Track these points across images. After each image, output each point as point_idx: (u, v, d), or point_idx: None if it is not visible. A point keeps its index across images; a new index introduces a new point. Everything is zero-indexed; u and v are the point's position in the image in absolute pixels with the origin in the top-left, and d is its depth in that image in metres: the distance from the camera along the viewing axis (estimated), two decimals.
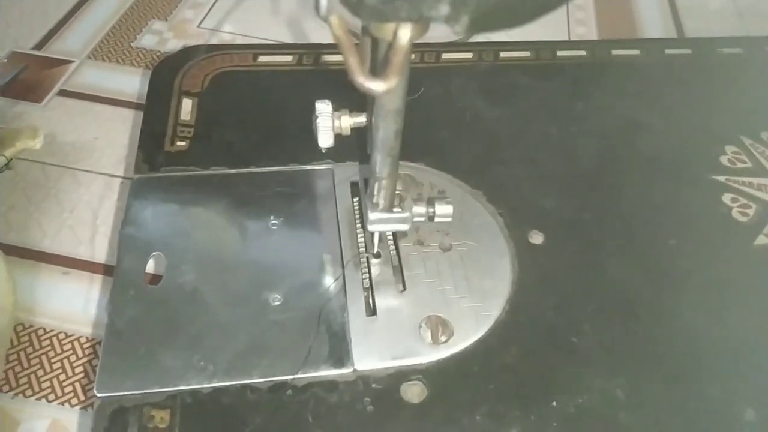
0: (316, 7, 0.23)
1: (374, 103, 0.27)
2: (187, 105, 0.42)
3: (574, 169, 0.42)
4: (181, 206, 0.37)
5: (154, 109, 0.42)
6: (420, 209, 0.33)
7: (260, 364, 0.31)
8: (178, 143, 0.40)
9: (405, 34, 0.23)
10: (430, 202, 0.33)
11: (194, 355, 0.31)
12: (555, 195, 0.40)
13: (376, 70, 0.26)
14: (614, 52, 0.50)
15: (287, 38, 0.59)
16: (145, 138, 0.41)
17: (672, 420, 0.31)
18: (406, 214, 0.32)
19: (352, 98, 0.32)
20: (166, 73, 0.45)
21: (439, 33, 0.59)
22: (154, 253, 0.35)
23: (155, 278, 0.35)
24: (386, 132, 0.28)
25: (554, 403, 0.31)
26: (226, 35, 0.60)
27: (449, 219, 0.33)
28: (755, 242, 0.39)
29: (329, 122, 0.32)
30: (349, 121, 0.32)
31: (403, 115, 0.27)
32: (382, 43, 0.26)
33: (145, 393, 0.30)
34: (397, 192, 0.32)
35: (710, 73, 0.50)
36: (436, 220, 0.33)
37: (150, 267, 0.35)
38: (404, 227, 0.33)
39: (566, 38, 0.60)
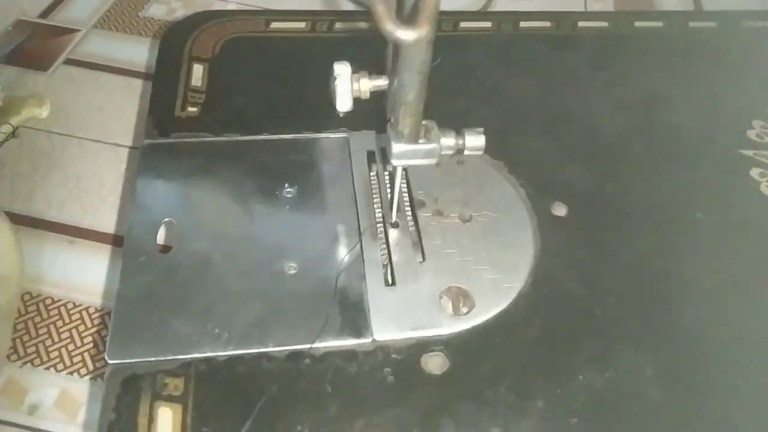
0: None
1: (400, 58, 0.26)
2: (197, 71, 0.41)
3: (596, 141, 0.41)
4: (193, 172, 0.36)
5: (164, 74, 0.41)
6: (449, 141, 0.31)
7: (276, 332, 0.30)
8: (189, 109, 0.39)
9: None
10: (460, 133, 0.31)
11: (208, 322, 0.30)
12: (578, 167, 0.39)
13: (403, 20, 0.25)
14: (637, 23, 0.49)
15: (295, 6, 0.57)
16: (155, 103, 0.40)
17: (698, 394, 0.30)
18: (434, 146, 0.30)
19: (365, 66, 0.31)
20: (177, 39, 0.43)
21: (458, 1, 0.57)
22: (166, 220, 0.34)
23: (166, 246, 0.34)
24: (411, 83, 0.27)
25: (580, 376, 0.30)
26: (234, 6, 0.59)
27: (481, 152, 0.31)
28: None
29: (348, 85, 0.30)
30: (368, 84, 0.31)
31: (429, 68, 0.26)
32: None
33: (158, 360, 0.29)
34: (423, 123, 0.30)
35: (735, 47, 0.49)
36: (466, 153, 0.31)
37: (161, 234, 0.34)
38: (432, 161, 0.31)
39: (582, 10, 0.59)
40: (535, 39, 0.47)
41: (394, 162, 0.31)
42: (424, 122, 0.30)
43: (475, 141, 0.31)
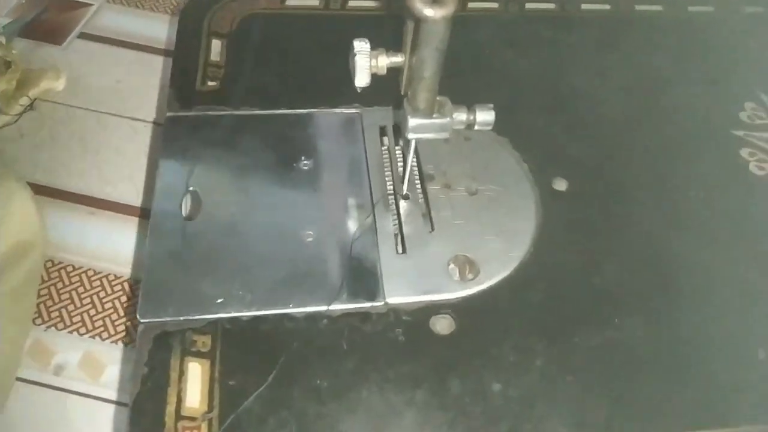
0: None
1: (420, 35, 0.28)
2: (216, 46, 0.42)
3: (597, 120, 0.43)
4: (215, 144, 0.38)
5: (184, 48, 0.43)
6: (461, 116, 0.32)
7: (296, 295, 0.32)
8: (209, 83, 0.41)
9: None
10: (471, 109, 0.33)
11: (232, 284, 0.32)
12: (578, 144, 0.41)
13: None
14: (638, 7, 0.50)
15: None
16: (176, 77, 0.41)
17: (689, 355, 0.33)
18: (447, 120, 0.32)
19: (378, 42, 0.33)
20: (195, 14, 0.44)
21: None
22: (190, 189, 0.36)
23: (191, 213, 0.36)
24: (430, 60, 0.28)
25: (577, 338, 0.33)
26: None
27: (490, 126, 0.32)
28: None
29: (367, 61, 0.32)
30: (386, 61, 0.32)
31: (446, 45, 0.28)
32: None
33: (186, 319, 0.31)
34: (437, 98, 0.31)
35: (731, 31, 0.50)
36: (477, 127, 0.32)
37: (186, 202, 0.36)
38: (444, 135, 0.32)
39: None
40: (540, 20, 0.48)
41: (409, 135, 0.32)
42: (438, 98, 0.31)
43: (485, 116, 0.32)
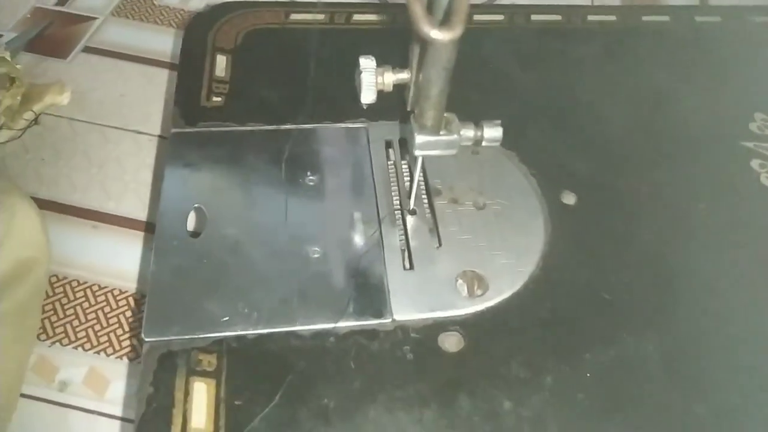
0: None
1: (427, 55, 0.27)
2: (221, 61, 0.42)
3: (604, 133, 0.42)
4: (219, 161, 0.38)
5: (189, 64, 0.42)
6: (468, 132, 0.32)
7: (302, 312, 0.32)
8: (214, 99, 0.40)
9: None
10: (479, 125, 0.32)
11: (238, 303, 0.32)
12: (586, 157, 0.40)
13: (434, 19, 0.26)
14: (644, 17, 0.50)
15: None
16: (181, 93, 0.41)
17: (700, 373, 0.32)
18: (454, 137, 0.31)
19: (384, 57, 0.33)
20: (200, 30, 0.44)
21: None
22: (195, 206, 0.36)
23: (196, 231, 0.35)
24: (437, 79, 0.28)
25: (587, 354, 0.32)
26: None
27: (498, 143, 0.32)
28: None
29: (373, 78, 0.32)
30: (392, 78, 0.32)
31: (453, 64, 0.27)
32: None
33: (191, 338, 0.31)
34: (444, 115, 0.31)
35: (740, 41, 0.50)
36: (484, 144, 0.32)
37: (191, 219, 0.36)
38: (452, 151, 0.32)
39: (589, 3, 0.60)
40: (546, 32, 0.48)
41: (416, 153, 0.32)
42: (445, 114, 0.31)
43: (493, 133, 0.32)
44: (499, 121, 0.32)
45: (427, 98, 0.29)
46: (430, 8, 0.26)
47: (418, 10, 0.21)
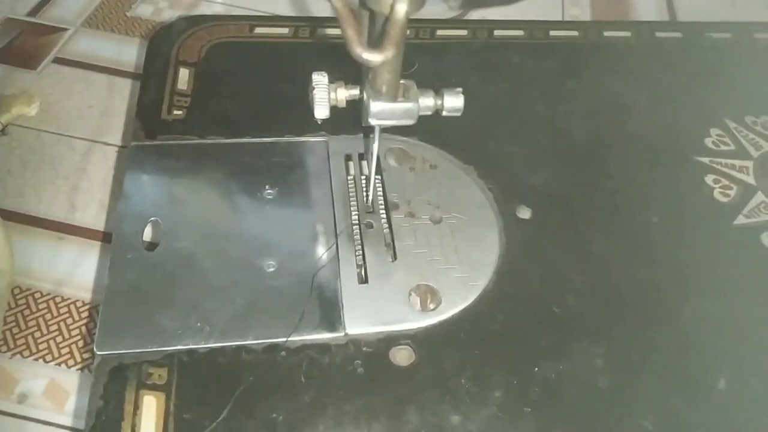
0: None
1: (369, 74, 0.28)
2: (184, 75, 0.43)
3: (562, 147, 0.43)
4: (178, 174, 0.38)
5: (151, 77, 0.43)
6: (428, 101, 0.30)
7: (255, 326, 0.32)
8: (175, 112, 0.41)
9: (402, 7, 0.24)
10: (439, 93, 0.31)
11: (191, 316, 0.32)
12: (544, 172, 0.41)
13: (373, 42, 0.27)
14: (606, 33, 0.51)
15: (280, 10, 0.59)
16: (142, 106, 0.41)
17: (647, 386, 0.33)
18: (412, 104, 0.30)
19: (346, 71, 0.33)
20: (163, 43, 0.45)
21: (435, 9, 0.59)
22: (152, 219, 0.36)
23: (152, 243, 0.36)
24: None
25: (536, 368, 0.33)
26: (220, 6, 0.60)
27: (459, 113, 0.31)
28: (735, 222, 0.40)
29: (325, 94, 0.32)
30: (344, 93, 0.33)
31: (397, 80, 0.27)
32: (378, 16, 0.26)
33: (143, 351, 0.31)
34: (401, 82, 0.29)
35: (699, 57, 0.51)
36: (445, 113, 0.31)
37: (147, 232, 0.36)
38: (410, 121, 0.30)
39: (560, 18, 0.61)
40: (508, 47, 0.49)
41: (372, 121, 0.30)
42: (402, 81, 0.30)
43: (453, 101, 0.30)
44: (460, 89, 0.31)
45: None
46: (371, 31, 0.27)
47: (350, 33, 0.22)
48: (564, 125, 0.44)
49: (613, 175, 0.42)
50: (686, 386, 0.33)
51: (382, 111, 0.30)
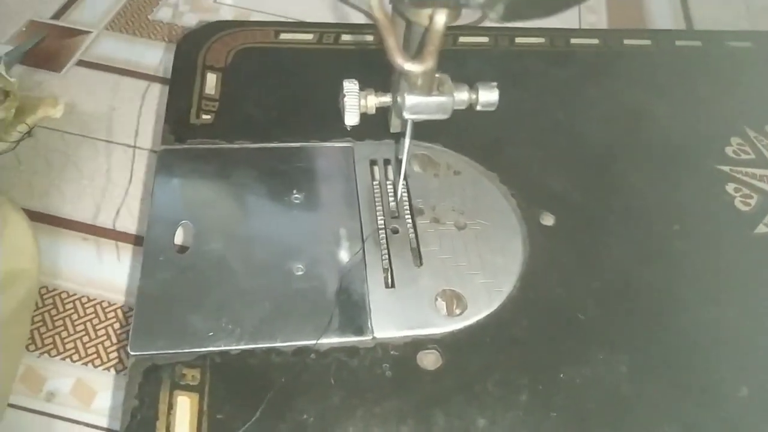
0: None
1: (402, 81, 0.28)
2: (211, 79, 0.43)
3: (584, 155, 0.43)
4: (207, 178, 0.39)
5: (180, 82, 0.43)
6: (462, 95, 0.30)
7: (284, 329, 0.33)
8: (204, 117, 0.41)
9: (441, 19, 0.24)
10: (474, 88, 0.30)
11: (222, 318, 0.33)
12: (566, 179, 0.42)
13: (408, 49, 0.27)
14: (626, 41, 0.52)
15: (299, 14, 0.59)
16: (171, 111, 0.42)
17: (669, 393, 0.33)
18: (447, 98, 0.29)
19: (370, 78, 0.34)
20: (191, 48, 0.45)
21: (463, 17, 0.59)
22: (182, 222, 0.37)
23: (183, 246, 0.36)
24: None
25: (561, 374, 0.33)
26: (241, 10, 0.61)
27: (493, 107, 0.30)
28: (755, 231, 0.41)
29: (356, 101, 0.33)
30: (374, 101, 0.33)
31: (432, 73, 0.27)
32: (415, 27, 0.27)
33: (176, 352, 0.32)
34: (436, 75, 0.29)
35: (718, 66, 0.51)
36: (479, 107, 0.30)
37: (178, 235, 0.36)
38: (444, 115, 0.30)
39: (577, 26, 0.61)
40: (529, 54, 0.49)
41: (406, 115, 0.30)
42: (437, 75, 0.29)
43: (488, 96, 0.30)
44: (495, 84, 0.30)
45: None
46: (407, 38, 0.27)
47: (391, 43, 0.22)
48: (585, 132, 0.45)
49: (634, 183, 0.42)
50: (708, 393, 0.34)
51: (416, 104, 0.29)
